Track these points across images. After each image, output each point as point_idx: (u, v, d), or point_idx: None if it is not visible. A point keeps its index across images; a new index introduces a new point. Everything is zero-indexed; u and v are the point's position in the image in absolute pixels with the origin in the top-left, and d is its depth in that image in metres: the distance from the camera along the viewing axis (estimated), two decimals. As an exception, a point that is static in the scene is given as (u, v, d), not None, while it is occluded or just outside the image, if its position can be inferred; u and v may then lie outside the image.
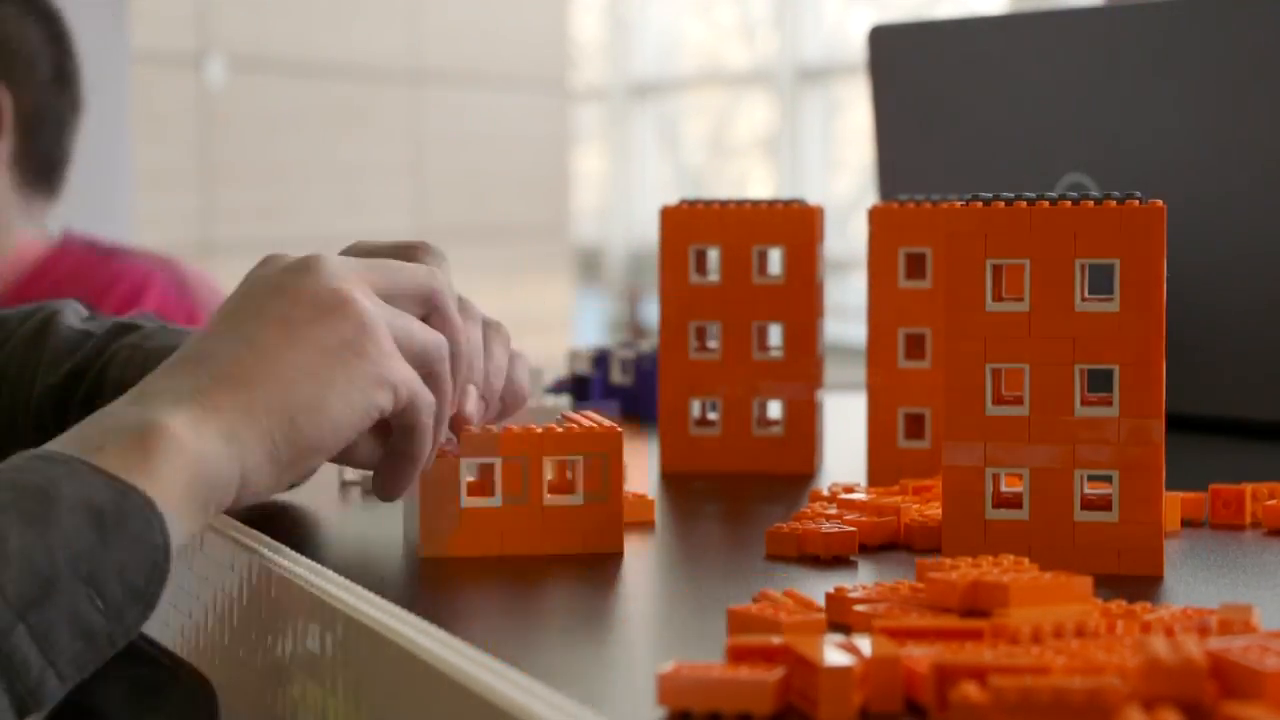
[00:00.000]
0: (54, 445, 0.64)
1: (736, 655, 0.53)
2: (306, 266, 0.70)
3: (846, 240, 3.72)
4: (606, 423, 0.76)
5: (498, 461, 0.75)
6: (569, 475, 0.76)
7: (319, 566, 0.70)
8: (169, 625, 0.82)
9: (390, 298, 0.72)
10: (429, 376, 0.72)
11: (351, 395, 0.69)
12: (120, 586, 0.61)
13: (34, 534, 0.59)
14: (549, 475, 0.75)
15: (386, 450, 0.73)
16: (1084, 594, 0.60)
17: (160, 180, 3.73)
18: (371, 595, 0.65)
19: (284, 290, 0.69)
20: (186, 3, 3.98)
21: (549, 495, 0.75)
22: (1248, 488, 0.82)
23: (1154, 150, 1.18)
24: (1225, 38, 1.15)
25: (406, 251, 0.76)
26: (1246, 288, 1.14)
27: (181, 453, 0.64)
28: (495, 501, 0.75)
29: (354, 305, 0.69)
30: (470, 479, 0.75)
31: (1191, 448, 1.06)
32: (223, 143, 3.96)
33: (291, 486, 0.83)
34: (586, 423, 0.76)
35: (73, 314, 0.93)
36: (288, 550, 0.73)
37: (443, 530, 0.74)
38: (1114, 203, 0.70)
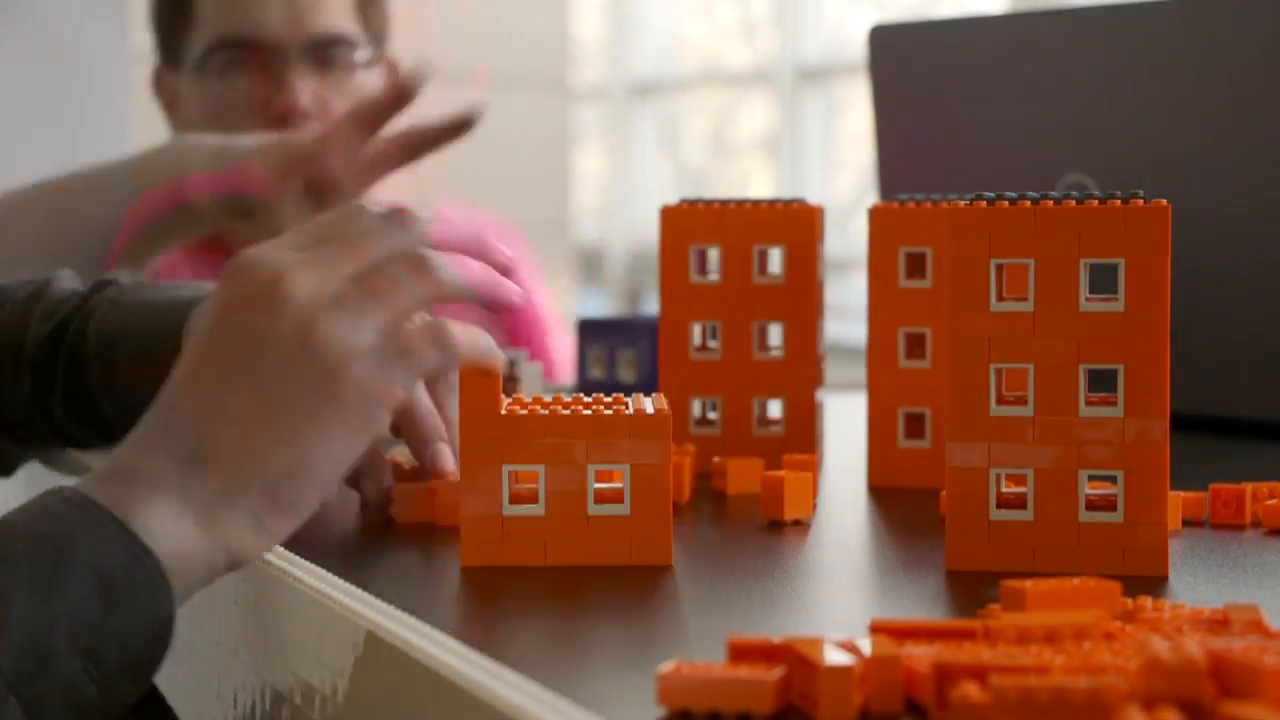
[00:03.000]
0: (81, 486, 0.64)
1: (737, 654, 0.53)
2: (270, 303, 0.67)
3: (846, 240, 3.72)
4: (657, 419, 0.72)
5: (541, 469, 0.72)
6: (620, 481, 0.73)
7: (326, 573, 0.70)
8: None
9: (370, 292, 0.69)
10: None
11: (332, 448, 0.67)
12: (119, 657, 0.61)
13: (39, 603, 0.59)
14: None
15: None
16: (1110, 599, 0.60)
17: (160, 180, 3.72)
18: (350, 586, 0.65)
19: (250, 338, 0.67)
20: (186, 2, 3.97)
21: (594, 505, 0.72)
22: (1248, 487, 0.82)
23: (1154, 150, 1.18)
24: (1225, 38, 1.14)
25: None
26: (1247, 287, 1.14)
27: (161, 545, 0.63)
28: (539, 510, 0.72)
29: (322, 345, 0.67)
30: (515, 486, 0.73)
31: (1192, 447, 1.06)
32: (222, 142, 3.95)
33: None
34: (636, 412, 0.72)
35: (67, 278, 0.99)
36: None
37: (484, 539, 0.72)
38: (1118, 202, 0.70)
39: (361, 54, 1.60)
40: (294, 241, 0.70)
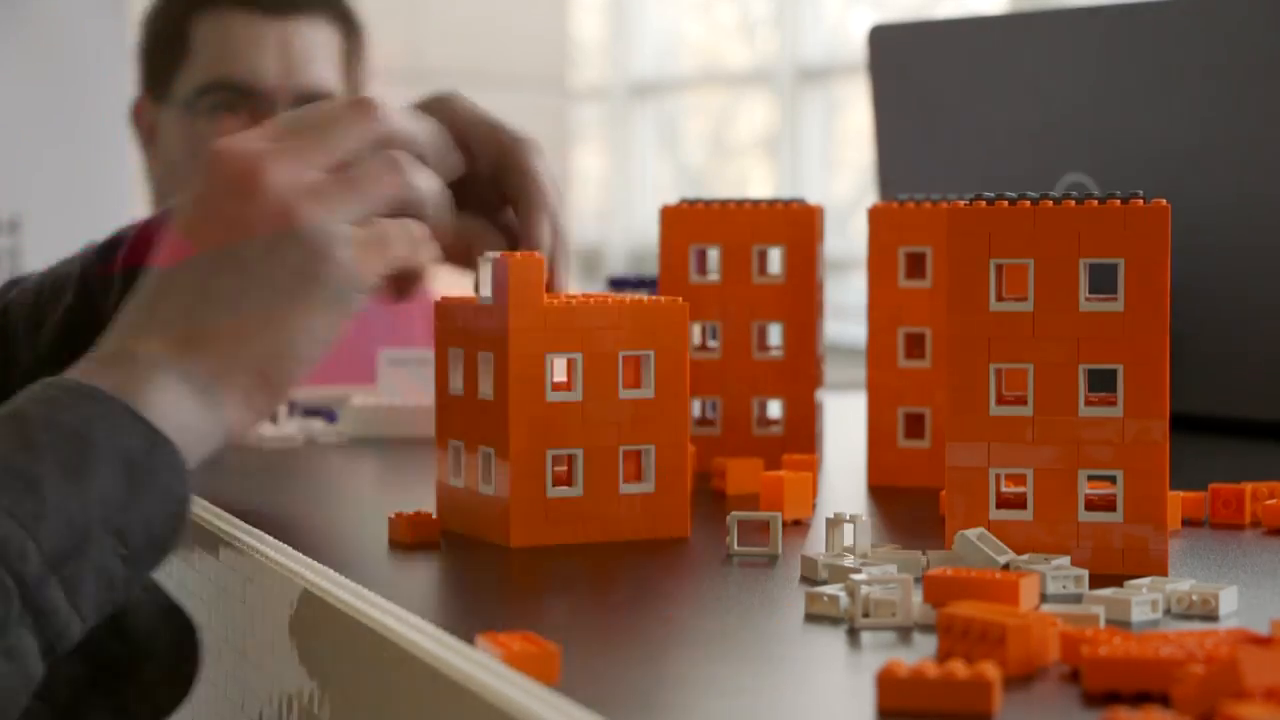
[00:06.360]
0: (77, 375, 0.67)
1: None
2: (249, 191, 0.71)
3: (846, 240, 3.72)
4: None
5: (579, 452, 0.76)
6: (640, 463, 0.78)
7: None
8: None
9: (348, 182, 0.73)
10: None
11: (314, 327, 0.71)
12: (144, 537, 0.64)
13: (72, 488, 0.62)
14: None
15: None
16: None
17: (159, 180, 3.72)
18: (337, 576, 0.65)
19: (232, 226, 0.71)
20: (186, 2, 3.97)
21: (624, 484, 0.77)
22: (1248, 487, 0.82)
23: (1154, 150, 1.18)
24: (1225, 38, 1.14)
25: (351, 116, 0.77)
26: (1247, 287, 1.14)
27: (168, 424, 0.67)
28: (578, 491, 0.77)
29: (303, 232, 0.70)
30: (557, 469, 0.77)
31: (1192, 447, 1.06)
32: (222, 142, 3.95)
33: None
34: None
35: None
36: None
37: (532, 521, 0.76)
38: (1118, 202, 0.70)
39: None
40: (268, 133, 0.74)
